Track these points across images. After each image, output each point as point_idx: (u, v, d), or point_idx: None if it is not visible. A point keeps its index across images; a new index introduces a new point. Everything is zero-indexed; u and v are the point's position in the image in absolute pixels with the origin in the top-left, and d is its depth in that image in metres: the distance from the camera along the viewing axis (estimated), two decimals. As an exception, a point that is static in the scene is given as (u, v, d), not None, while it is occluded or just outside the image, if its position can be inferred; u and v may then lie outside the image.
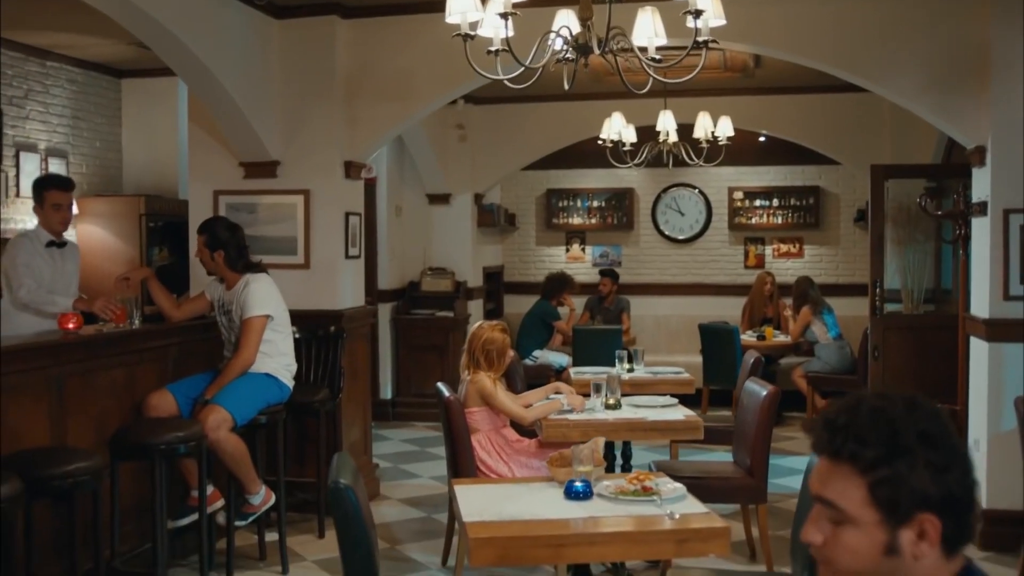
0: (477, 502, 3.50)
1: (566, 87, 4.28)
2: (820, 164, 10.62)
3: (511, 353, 5.38)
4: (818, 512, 1.64)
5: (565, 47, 4.08)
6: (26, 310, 5.45)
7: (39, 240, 5.72)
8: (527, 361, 9.43)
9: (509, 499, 3.54)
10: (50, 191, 5.74)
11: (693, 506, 3.39)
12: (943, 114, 5.96)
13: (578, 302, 10.72)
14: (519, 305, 11.02)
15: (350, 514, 2.99)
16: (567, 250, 11.61)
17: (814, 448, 1.66)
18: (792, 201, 10.94)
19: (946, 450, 1.57)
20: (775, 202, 10.97)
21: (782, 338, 9.81)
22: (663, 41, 4.24)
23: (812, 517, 1.65)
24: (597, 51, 3.97)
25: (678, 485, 3.56)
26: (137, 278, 5.68)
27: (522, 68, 4.04)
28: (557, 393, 5.43)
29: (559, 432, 4.94)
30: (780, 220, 10.95)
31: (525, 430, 5.42)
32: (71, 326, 4.93)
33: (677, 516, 3.24)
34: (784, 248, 11.03)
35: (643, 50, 4.22)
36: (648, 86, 4.46)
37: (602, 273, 10.82)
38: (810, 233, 10.94)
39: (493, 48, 3.98)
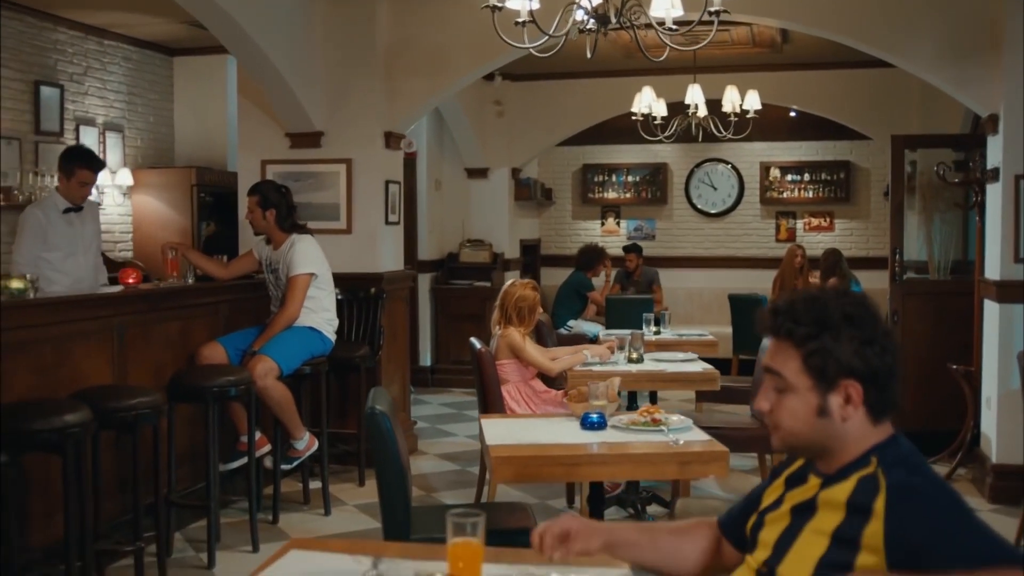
0: (501, 431, 3.85)
1: (588, 55, 4.57)
2: (851, 139, 10.81)
3: (540, 310, 5.70)
4: (766, 385, 1.97)
5: (586, 17, 4.38)
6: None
7: (56, 208, 5.80)
8: (561, 331, 9.71)
9: (530, 429, 3.89)
10: (82, 169, 5.81)
11: (697, 435, 3.70)
12: (958, 84, 6.18)
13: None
14: (555, 277, 11.33)
15: (384, 435, 3.34)
16: (602, 224, 11.91)
17: (761, 330, 1.98)
18: (823, 176, 11.15)
19: (867, 329, 1.89)
20: (806, 177, 11.19)
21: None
22: (679, 12, 4.50)
23: (762, 390, 1.97)
24: (615, 20, 4.24)
25: (685, 418, 3.87)
26: (180, 252, 5.89)
27: (546, 37, 4.35)
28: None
29: (583, 382, 5.25)
30: (811, 194, 11.16)
31: (553, 383, 5.75)
32: (131, 281, 5.33)
33: (681, 442, 3.56)
34: (815, 222, 11.25)
35: (660, 22, 4.49)
36: (665, 55, 4.74)
37: (626, 249, 10.92)
38: (841, 207, 11.15)
39: (520, 19, 4.30)
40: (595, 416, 3.79)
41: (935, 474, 1.90)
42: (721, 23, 7.36)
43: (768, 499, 2.08)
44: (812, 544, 1.88)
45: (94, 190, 6.50)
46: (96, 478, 4.30)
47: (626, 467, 3.50)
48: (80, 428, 3.81)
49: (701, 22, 4.31)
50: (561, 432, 3.79)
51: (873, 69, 9.04)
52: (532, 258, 11.64)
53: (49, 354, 4.45)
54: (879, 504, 1.81)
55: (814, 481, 1.97)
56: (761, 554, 2.00)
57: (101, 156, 7.88)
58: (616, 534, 2.16)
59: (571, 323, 10.24)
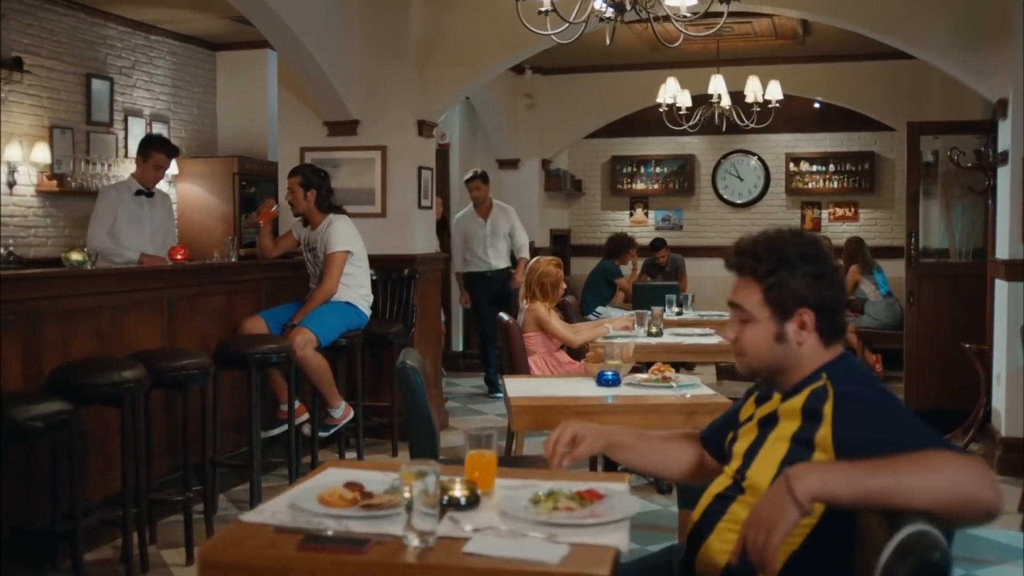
0: (523, 387, 4.16)
1: (608, 42, 4.87)
2: (875, 130, 11.00)
3: (564, 286, 6.00)
4: (732, 317, 2.27)
5: (604, 6, 4.67)
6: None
7: (129, 190, 6.27)
8: (590, 316, 9.99)
9: (549, 385, 4.20)
10: (158, 153, 6.31)
11: (704, 391, 3.98)
12: (969, 70, 6.40)
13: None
14: (585, 267, 11.58)
15: (413, 388, 3.65)
16: (631, 214, 12.18)
17: (728, 267, 2.27)
18: (848, 166, 11.35)
19: (818, 266, 2.19)
20: (831, 167, 11.40)
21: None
22: (693, 1, 4.78)
23: (728, 322, 2.27)
24: (629, 6, 4.53)
25: (694, 378, 4.15)
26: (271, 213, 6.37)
27: (566, 25, 4.65)
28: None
29: (602, 348, 5.54)
30: (836, 185, 11.37)
31: (577, 355, 6.04)
32: (179, 257, 5.69)
33: (689, 396, 3.85)
34: (840, 212, 11.46)
35: (675, 11, 4.78)
36: (680, 41, 5.01)
37: (655, 246, 11.12)
38: (865, 197, 11.35)
39: (543, 9, 4.61)
40: (610, 374, 4.08)
41: (875, 381, 2.20)
42: (742, 15, 7.65)
43: (741, 417, 2.38)
44: (775, 449, 2.18)
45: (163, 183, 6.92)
46: (148, 437, 4.64)
47: (636, 416, 3.78)
48: (136, 384, 4.15)
49: (710, 13, 4.56)
50: (578, 388, 4.10)
51: (895, 60, 9.22)
52: (562, 248, 11.92)
53: (106, 321, 4.81)
54: (827, 409, 2.10)
55: (776, 397, 2.27)
56: (734, 464, 2.30)
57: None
58: (615, 436, 2.48)
59: (600, 309, 10.51)
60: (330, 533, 2.07)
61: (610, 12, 4.71)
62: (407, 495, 2.01)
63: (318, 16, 6.63)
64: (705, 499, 2.32)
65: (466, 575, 1.93)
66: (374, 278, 6.57)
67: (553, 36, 4.78)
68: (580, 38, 5.10)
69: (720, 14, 4.69)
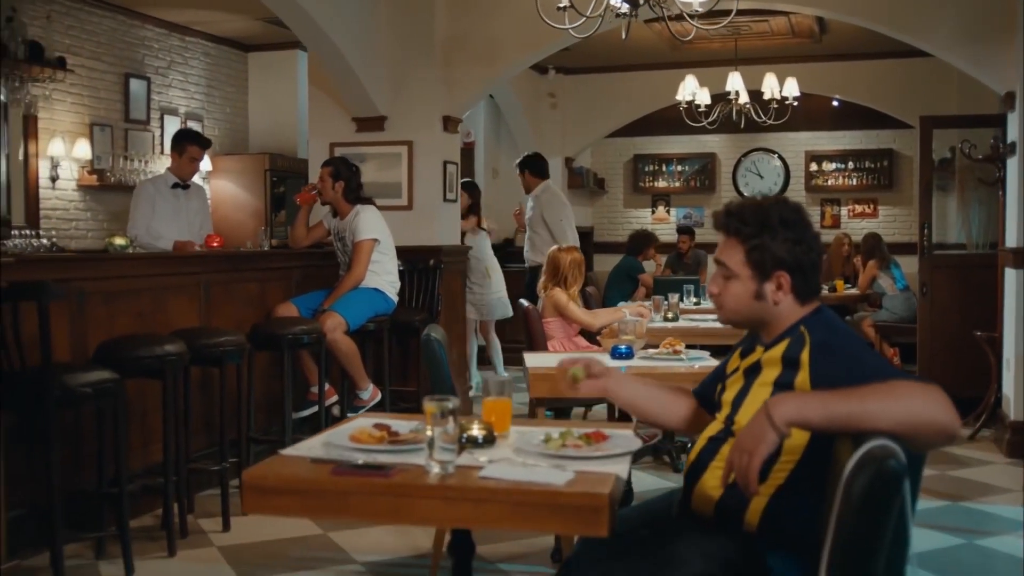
0: (541, 360, 4.39)
1: (623, 36, 5.10)
2: (894, 128, 11.17)
3: (583, 271, 6.22)
4: (716, 273, 2.50)
5: (619, 1, 4.90)
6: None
7: (165, 183, 6.57)
8: (612, 311, 10.20)
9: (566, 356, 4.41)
10: (192, 146, 6.60)
11: (712, 362, 4.19)
12: (977, 63, 6.58)
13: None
14: (608, 263, 11.79)
15: (438, 360, 3.88)
16: (653, 212, 12.39)
17: (716, 227, 2.50)
18: (867, 164, 11.53)
19: (799, 231, 2.41)
20: (850, 165, 11.58)
21: (853, 291, 10.41)
22: (705, -4, 5.00)
23: (713, 277, 2.49)
24: (642, 1, 4.76)
25: (704, 352, 4.37)
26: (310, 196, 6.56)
27: (583, 19, 4.89)
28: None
29: (619, 333, 5.77)
30: (855, 182, 11.55)
31: (595, 340, 6.26)
32: (215, 244, 5.96)
33: (697, 367, 4.07)
34: (859, 208, 11.63)
35: (687, 6, 5.00)
36: (692, 35, 5.23)
37: (679, 230, 11.42)
38: (884, 194, 11.51)
39: (562, 5, 4.86)
40: (624, 347, 4.30)
41: (847, 329, 2.42)
42: (759, 13, 7.86)
43: (728, 370, 2.61)
44: (759, 394, 2.40)
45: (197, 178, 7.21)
46: (187, 411, 4.90)
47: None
48: (177, 357, 4.41)
49: (726, 11, 4.78)
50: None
51: (912, 58, 9.39)
52: (586, 245, 12.12)
53: (147, 302, 5.09)
54: (804, 356, 2.32)
55: (759, 349, 2.50)
56: (725, 411, 2.52)
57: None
58: (623, 379, 2.71)
59: (622, 304, 10.71)
60: (360, 462, 2.31)
61: (625, 7, 4.94)
62: (429, 433, 2.24)
63: (349, 17, 6.90)
64: (700, 442, 2.54)
65: (480, 494, 2.16)
66: (400, 268, 6.82)
67: (571, 31, 5.02)
68: (601, 38, 5.36)
69: (735, 11, 4.91)
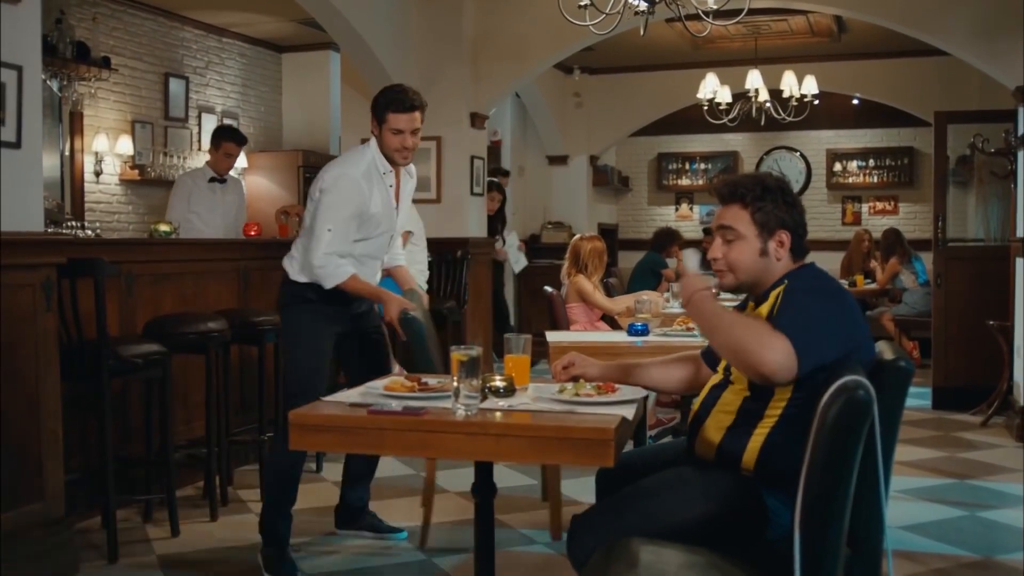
0: (562, 337, 4.66)
1: (642, 33, 5.34)
2: (915, 126, 11.31)
3: (605, 259, 6.47)
4: (717, 241, 2.73)
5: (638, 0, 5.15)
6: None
7: (203, 177, 6.81)
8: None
9: (586, 336, 4.68)
10: (228, 142, 6.82)
11: (723, 339, 4.44)
12: (988, 58, 6.78)
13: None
14: (632, 260, 12.02)
15: (418, 334, 4.14)
16: (676, 209, 12.62)
17: (719, 198, 2.75)
18: (887, 161, 11.70)
19: (790, 197, 2.70)
20: (871, 162, 11.75)
21: (872, 286, 10.59)
22: (718, -5, 5.23)
23: (713, 246, 2.73)
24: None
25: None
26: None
27: (603, 16, 5.15)
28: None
29: (640, 320, 6.02)
30: (876, 179, 11.72)
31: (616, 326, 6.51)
32: (253, 233, 6.26)
33: (706, 340, 4.31)
34: (880, 205, 11.79)
35: (702, 4, 5.24)
36: (708, 32, 5.47)
37: (706, 231, 11.65)
38: (905, 191, 11.67)
39: (583, 3, 5.11)
40: (639, 325, 4.56)
41: (826, 285, 2.64)
42: (778, 12, 8.07)
43: None
44: None
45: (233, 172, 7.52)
46: (227, 388, 5.19)
47: (660, 355, 4.24)
48: (219, 334, 4.71)
49: (733, 9, 5.01)
50: (612, 336, 4.60)
51: (931, 57, 9.54)
52: (610, 241, 12.36)
53: (190, 285, 5.39)
54: (775, 293, 2.61)
55: (751, 305, 2.75)
56: (723, 363, 2.77)
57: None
58: (610, 367, 3.04)
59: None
60: (394, 405, 2.58)
61: (643, 5, 5.19)
62: (455, 383, 2.51)
63: (381, 17, 7.20)
64: (703, 392, 2.79)
65: (500, 429, 2.43)
66: (430, 259, 7.08)
67: (592, 28, 5.26)
68: (624, 37, 5.61)
69: (753, 10, 5.14)
